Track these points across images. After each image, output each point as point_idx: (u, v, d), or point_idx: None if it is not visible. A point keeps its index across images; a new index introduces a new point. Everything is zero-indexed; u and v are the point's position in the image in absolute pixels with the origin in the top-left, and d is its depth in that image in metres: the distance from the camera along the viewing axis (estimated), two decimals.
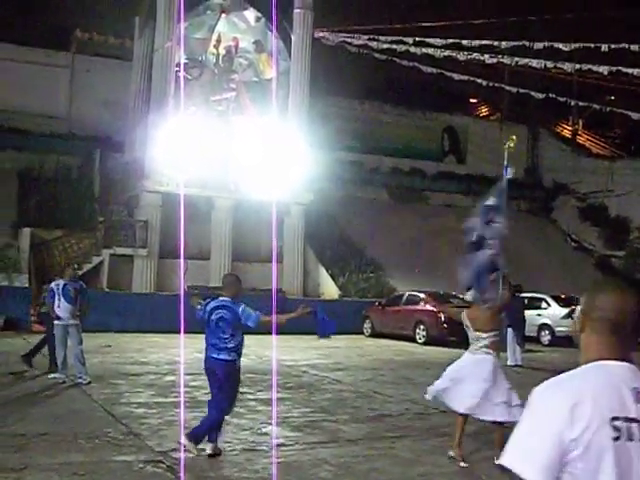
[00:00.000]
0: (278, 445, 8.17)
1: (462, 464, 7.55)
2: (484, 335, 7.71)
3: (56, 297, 12.40)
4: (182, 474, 6.73)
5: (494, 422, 7.73)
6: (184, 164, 25.59)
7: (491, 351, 7.73)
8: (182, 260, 23.35)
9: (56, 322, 12.38)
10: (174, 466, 7.12)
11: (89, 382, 12.04)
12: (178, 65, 27.09)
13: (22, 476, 6.58)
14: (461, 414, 7.77)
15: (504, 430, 7.75)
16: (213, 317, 7.42)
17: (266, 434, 8.71)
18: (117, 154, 29.62)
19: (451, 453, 7.76)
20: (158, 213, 26.56)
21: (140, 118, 28.08)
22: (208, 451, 7.49)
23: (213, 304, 7.50)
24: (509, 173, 8.54)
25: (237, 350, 7.50)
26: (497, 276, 8.12)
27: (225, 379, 7.49)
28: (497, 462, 6.27)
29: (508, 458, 2.06)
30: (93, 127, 30.75)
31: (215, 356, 7.42)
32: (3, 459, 7.12)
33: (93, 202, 28.60)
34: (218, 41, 28.85)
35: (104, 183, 29.41)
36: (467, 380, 7.66)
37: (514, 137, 9.62)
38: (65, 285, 12.57)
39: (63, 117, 32.12)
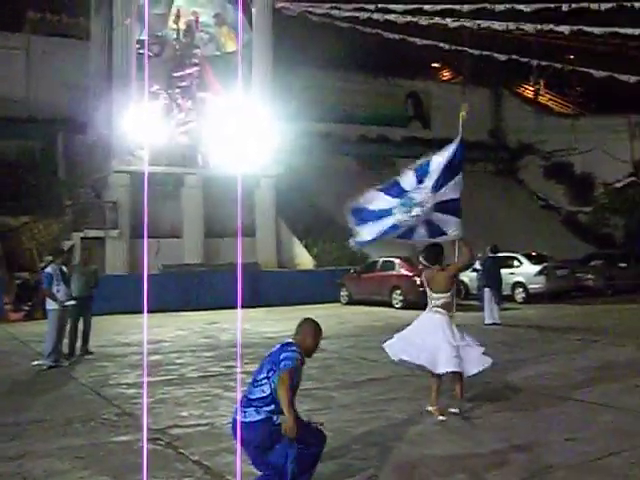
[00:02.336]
0: None
1: (440, 418, 7.87)
2: (437, 295, 8.12)
3: (54, 281, 12.40)
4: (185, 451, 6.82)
5: (453, 373, 8.07)
6: (150, 142, 25.41)
7: (443, 310, 8.10)
8: (145, 239, 23.20)
9: (53, 307, 12.36)
10: (173, 442, 7.21)
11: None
12: (139, 42, 26.72)
13: (23, 463, 6.62)
14: (433, 374, 8.09)
15: (462, 382, 8.14)
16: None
17: None
18: (81, 135, 29.19)
19: (428, 408, 8.11)
20: (127, 193, 26.35)
21: (102, 98, 27.72)
22: None
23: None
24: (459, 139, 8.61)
25: (274, 405, 5.16)
26: (446, 239, 8.36)
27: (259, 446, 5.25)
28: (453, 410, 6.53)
29: None
30: (54, 109, 30.17)
31: (245, 419, 5.21)
32: (1, 449, 7.14)
33: (59, 185, 28.23)
34: (177, 16, 28.46)
35: (69, 166, 29.07)
36: (419, 336, 8.05)
37: (466, 104, 9.69)
38: (60, 268, 12.63)
39: (22, 100, 31.41)
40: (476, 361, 8.10)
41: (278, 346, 5.40)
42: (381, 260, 24.40)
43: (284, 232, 29.37)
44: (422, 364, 8.00)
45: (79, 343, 13.61)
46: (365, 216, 8.25)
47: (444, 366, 7.89)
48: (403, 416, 8.13)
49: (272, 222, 29.03)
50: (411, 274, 21.81)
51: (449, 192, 8.27)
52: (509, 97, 45.07)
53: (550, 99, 45.82)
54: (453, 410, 8.12)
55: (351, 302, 24.82)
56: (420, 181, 8.24)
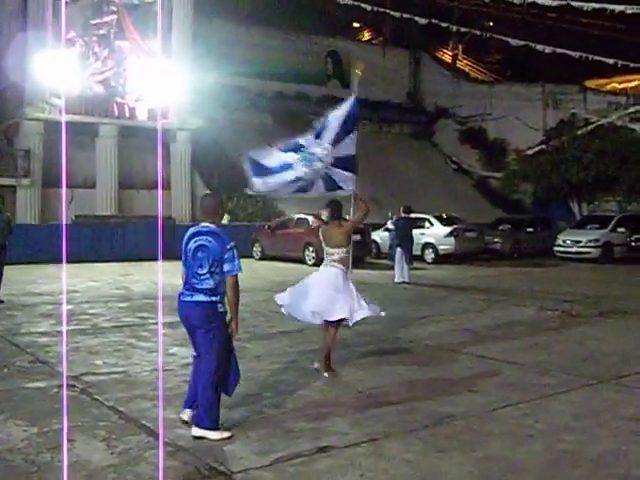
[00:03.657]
0: (186, 364, 8.46)
1: (325, 374, 8.09)
2: (334, 250, 8.22)
3: None
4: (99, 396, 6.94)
5: (335, 322, 8.23)
6: (65, 90, 24.84)
7: (339, 265, 8.20)
8: (64, 189, 22.90)
9: None
10: (88, 389, 7.32)
11: None
12: None
13: None
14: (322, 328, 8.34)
15: (336, 332, 8.32)
16: (192, 245, 5.97)
17: (173, 354, 8.97)
18: None
19: (315, 365, 8.31)
20: (40, 141, 25.83)
21: (16, 43, 26.84)
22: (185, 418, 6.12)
23: (191, 230, 6.10)
24: (354, 93, 8.89)
25: (218, 292, 5.90)
26: (341, 194, 8.63)
27: (210, 329, 5.87)
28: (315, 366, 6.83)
29: None
30: None
31: (189, 299, 5.93)
32: None
33: None
34: None
35: None
36: (311, 289, 8.15)
37: (359, 66, 10.01)
38: None
39: None
40: (365, 308, 8.20)
41: (193, 230, 6.04)
42: (295, 217, 24.65)
43: (199, 186, 29.30)
44: (312, 321, 8.20)
45: None
46: (261, 171, 8.42)
47: (337, 314, 8.03)
48: (312, 366, 8.41)
49: (187, 176, 28.95)
50: None
51: (345, 148, 8.55)
52: (428, 60, 45.56)
53: (468, 65, 46.58)
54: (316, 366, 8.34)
55: (264, 258, 25.04)
56: (317, 136, 8.47)
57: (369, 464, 5.34)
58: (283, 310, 8.48)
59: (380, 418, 6.48)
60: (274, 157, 8.46)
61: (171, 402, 6.71)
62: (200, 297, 5.84)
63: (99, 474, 5.05)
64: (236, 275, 5.85)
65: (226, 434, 5.83)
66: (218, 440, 5.74)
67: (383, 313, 8.56)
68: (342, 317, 8.10)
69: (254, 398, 6.99)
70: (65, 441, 5.26)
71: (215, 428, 5.81)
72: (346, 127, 8.49)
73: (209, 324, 5.84)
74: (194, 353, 6.11)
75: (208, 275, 5.83)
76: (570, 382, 7.91)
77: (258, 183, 8.41)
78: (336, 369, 8.23)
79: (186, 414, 6.09)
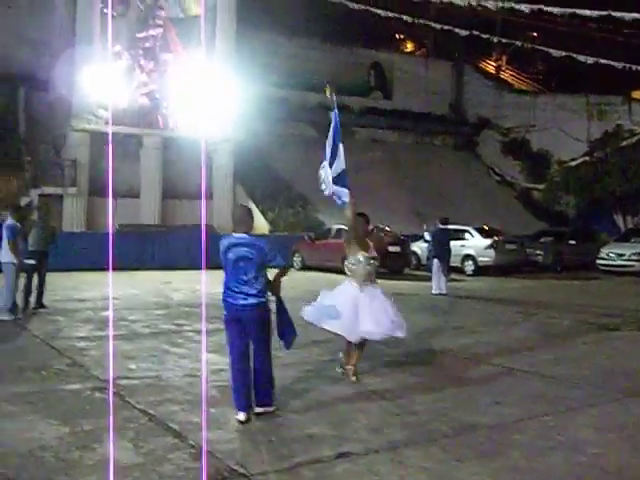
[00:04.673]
0: (217, 370, 8.66)
1: (353, 378, 8.27)
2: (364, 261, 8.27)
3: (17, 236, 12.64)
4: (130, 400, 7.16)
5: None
6: (111, 102, 25.40)
7: (367, 276, 8.27)
8: (110, 198, 23.36)
9: (12, 260, 12.55)
10: (120, 392, 7.55)
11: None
12: (103, 1, 26.55)
13: None
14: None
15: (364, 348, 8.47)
16: (231, 256, 6.65)
17: (206, 361, 9.16)
18: (42, 93, 28.99)
19: (347, 367, 8.42)
20: (86, 151, 26.42)
21: (65, 56, 27.52)
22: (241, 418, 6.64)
23: (227, 242, 6.73)
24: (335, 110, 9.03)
25: (264, 292, 6.75)
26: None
27: (263, 325, 6.80)
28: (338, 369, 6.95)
29: None
30: (16, 65, 29.74)
31: (243, 302, 6.65)
32: None
33: (19, 142, 28.11)
34: None
35: (30, 123, 28.88)
36: (340, 304, 8.21)
37: (328, 86, 10.08)
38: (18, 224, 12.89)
39: None
40: (392, 326, 8.23)
41: (228, 242, 6.70)
42: (335, 227, 24.79)
43: (241, 196, 29.63)
44: (339, 332, 8.29)
45: (33, 297, 13.81)
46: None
47: (371, 334, 8.17)
48: (342, 376, 8.53)
49: (229, 186, 29.31)
50: None
51: (340, 164, 8.73)
52: (471, 71, 45.39)
53: (511, 75, 46.36)
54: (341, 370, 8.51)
55: (304, 268, 25.22)
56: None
57: (387, 470, 5.45)
58: (313, 322, 8.54)
59: (402, 426, 6.59)
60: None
61: (199, 406, 6.89)
62: (252, 300, 6.62)
63: (124, 472, 5.24)
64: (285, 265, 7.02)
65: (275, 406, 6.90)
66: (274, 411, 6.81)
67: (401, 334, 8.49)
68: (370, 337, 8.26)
69: (280, 404, 7.12)
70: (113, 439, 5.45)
71: (272, 404, 6.86)
72: (336, 141, 8.70)
73: (261, 321, 6.74)
74: (240, 349, 6.76)
75: (254, 280, 6.61)
76: (598, 396, 7.90)
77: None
78: (362, 377, 8.35)
79: (241, 415, 6.61)
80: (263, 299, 6.72)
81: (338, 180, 8.61)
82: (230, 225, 24.58)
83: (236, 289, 6.65)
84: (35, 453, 5.65)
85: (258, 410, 6.76)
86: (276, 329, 7.07)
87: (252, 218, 7.00)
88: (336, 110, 8.90)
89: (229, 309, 6.75)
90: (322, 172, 8.66)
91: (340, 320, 8.09)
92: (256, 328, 6.72)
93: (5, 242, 12.58)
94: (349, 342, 8.42)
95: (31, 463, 5.44)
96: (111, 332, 11.17)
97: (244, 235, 6.68)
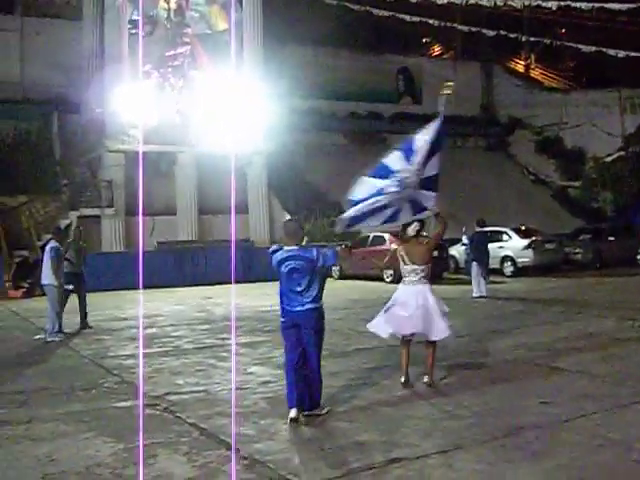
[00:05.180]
0: (264, 382, 8.77)
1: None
2: (421, 267, 8.35)
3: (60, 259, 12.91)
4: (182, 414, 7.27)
5: (429, 342, 8.48)
6: (143, 122, 25.72)
7: (426, 281, 8.37)
8: (140, 216, 23.63)
9: (54, 283, 12.82)
10: (170, 407, 7.68)
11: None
12: (130, 22, 26.96)
13: (30, 427, 7.07)
14: (402, 343, 8.51)
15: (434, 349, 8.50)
16: (284, 270, 7.07)
17: (251, 374, 9.28)
18: (75, 115, 29.49)
19: (426, 379, 8.44)
20: (121, 172, 26.76)
21: (95, 78, 27.97)
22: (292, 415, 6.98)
23: (280, 256, 7.13)
24: (441, 114, 8.85)
25: (320, 297, 7.14)
26: (424, 214, 8.69)
27: (317, 329, 7.17)
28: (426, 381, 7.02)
29: None
30: (48, 90, 30.30)
31: (300, 308, 7.03)
32: (9, 414, 7.58)
33: (55, 165, 28.60)
34: None
35: (64, 145, 29.38)
36: (403, 308, 8.29)
37: (450, 84, 10.02)
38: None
39: (16, 82, 31.50)
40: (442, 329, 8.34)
41: (281, 256, 7.06)
42: (372, 235, 24.81)
43: (276, 209, 29.81)
44: (402, 334, 8.41)
45: (77, 318, 14.04)
46: (350, 205, 8.40)
47: (437, 333, 8.29)
48: (388, 382, 8.58)
49: (264, 199, 29.47)
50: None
51: (432, 168, 8.59)
52: (500, 72, 45.19)
53: (541, 73, 46.08)
54: (425, 380, 8.46)
55: (343, 277, 25.28)
56: (408, 160, 8.44)
57: (438, 474, 5.50)
58: (381, 334, 8.63)
59: (452, 430, 6.62)
60: (364, 185, 8.27)
61: (249, 418, 7.00)
62: (308, 306, 6.99)
63: None
64: (336, 254, 7.23)
65: (328, 407, 7.29)
66: (326, 413, 7.15)
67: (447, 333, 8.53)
68: (431, 339, 8.37)
69: (329, 413, 7.20)
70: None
71: (322, 406, 7.21)
72: (434, 147, 8.52)
73: (317, 324, 7.11)
74: (296, 353, 7.11)
75: (307, 289, 6.99)
76: None
77: (345, 220, 8.22)
78: (412, 384, 8.41)
79: (293, 412, 6.94)
80: (318, 304, 7.08)
81: (427, 183, 8.49)
82: (267, 237, 24.78)
83: (292, 297, 7.05)
84: (93, 470, 5.77)
85: (311, 412, 7.08)
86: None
87: (302, 230, 7.41)
88: (442, 114, 8.73)
89: (286, 315, 7.14)
90: (389, 181, 8.36)
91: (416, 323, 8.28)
92: (311, 332, 7.07)
93: (49, 264, 12.79)
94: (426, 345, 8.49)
95: None
96: (141, 349, 11.33)
97: (295, 247, 7.06)
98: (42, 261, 13.22)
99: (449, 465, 5.68)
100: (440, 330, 8.29)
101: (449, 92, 9.43)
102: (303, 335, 7.09)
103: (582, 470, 5.51)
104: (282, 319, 7.22)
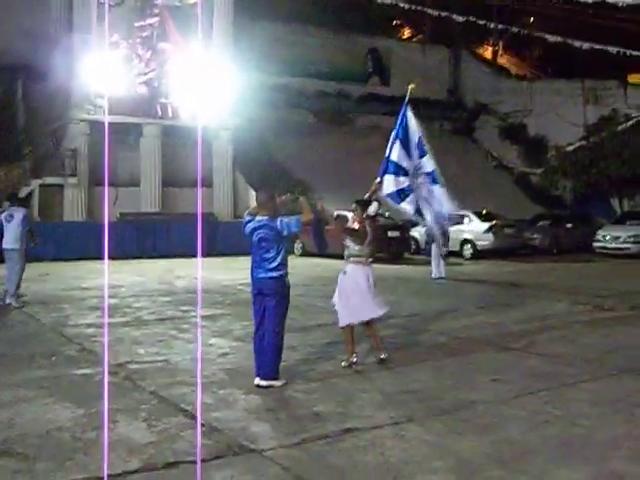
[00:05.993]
0: (223, 354, 8.93)
1: (382, 356, 8.50)
2: (358, 247, 8.52)
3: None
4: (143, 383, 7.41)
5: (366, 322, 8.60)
6: (110, 92, 25.53)
7: (364, 260, 8.52)
8: (106, 186, 23.54)
9: (18, 247, 12.96)
10: (131, 375, 7.81)
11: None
12: None
13: None
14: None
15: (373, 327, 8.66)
16: (254, 238, 7.38)
17: (211, 345, 9.43)
18: (41, 83, 29.05)
19: (343, 363, 8.42)
20: (86, 141, 26.56)
21: (63, 46, 27.62)
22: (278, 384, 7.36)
23: (252, 225, 7.42)
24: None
25: (284, 266, 7.41)
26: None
27: (277, 297, 7.36)
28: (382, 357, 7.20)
29: None
30: (13, 56, 29.82)
31: (263, 275, 7.33)
32: None
33: (19, 133, 28.22)
34: None
35: (29, 113, 28.91)
36: (347, 296, 8.47)
37: (413, 84, 10.38)
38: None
39: None
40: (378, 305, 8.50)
41: (252, 225, 7.36)
42: (335, 214, 24.90)
43: (241, 184, 29.83)
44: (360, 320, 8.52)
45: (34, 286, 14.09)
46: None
47: (367, 315, 8.44)
48: (345, 357, 8.76)
49: (229, 173, 29.46)
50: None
51: (428, 164, 8.99)
52: (468, 57, 45.39)
53: (508, 61, 46.42)
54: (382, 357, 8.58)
55: (305, 254, 25.43)
56: (410, 156, 8.88)
57: (390, 444, 5.70)
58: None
59: (405, 403, 6.84)
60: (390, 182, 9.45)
61: (208, 388, 7.16)
62: (272, 273, 7.27)
63: (140, 449, 5.50)
64: (299, 222, 7.38)
65: (283, 380, 7.37)
66: (281, 386, 7.26)
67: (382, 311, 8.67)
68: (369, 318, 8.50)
69: (286, 385, 7.39)
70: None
71: (277, 378, 7.33)
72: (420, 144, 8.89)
73: (278, 293, 7.32)
74: (259, 320, 7.41)
75: (275, 256, 7.25)
76: (593, 372, 8.16)
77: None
78: (363, 358, 8.62)
79: (256, 380, 7.31)
80: (280, 273, 7.33)
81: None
82: (230, 212, 24.80)
83: (259, 265, 7.33)
84: (53, 434, 5.90)
85: (261, 383, 7.29)
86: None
87: (274, 201, 7.56)
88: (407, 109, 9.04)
89: (253, 283, 7.46)
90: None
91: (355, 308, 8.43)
92: (272, 300, 7.32)
93: (18, 230, 12.83)
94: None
95: (50, 443, 5.69)
96: (105, 318, 11.41)
97: (265, 217, 7.35)
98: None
99: (401, 436, 5.89)
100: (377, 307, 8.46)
101: (413, 87, 9.76)
102: (266, 303, 7.35)
103: (527, 444, 5.76)
104: (251, 287, 7.53)
